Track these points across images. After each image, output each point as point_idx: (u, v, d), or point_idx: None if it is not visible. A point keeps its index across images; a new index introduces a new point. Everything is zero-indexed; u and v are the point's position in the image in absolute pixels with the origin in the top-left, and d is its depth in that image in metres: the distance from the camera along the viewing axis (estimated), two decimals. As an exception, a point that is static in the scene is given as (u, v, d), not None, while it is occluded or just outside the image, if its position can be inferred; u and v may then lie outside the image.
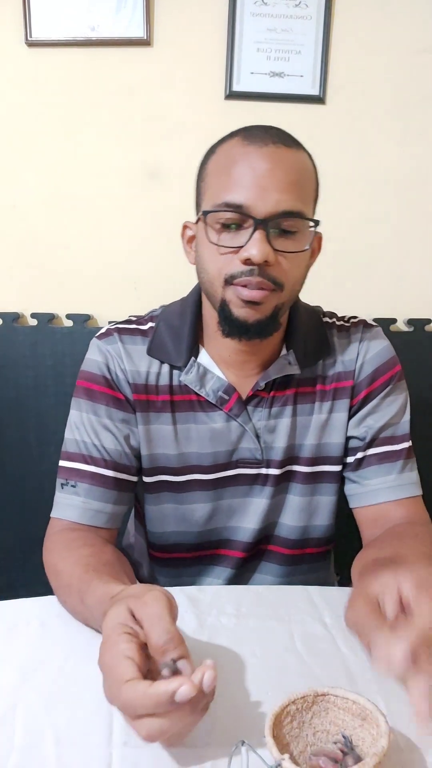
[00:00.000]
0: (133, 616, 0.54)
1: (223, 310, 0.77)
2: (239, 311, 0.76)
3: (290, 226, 0.74)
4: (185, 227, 0.84)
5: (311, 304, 0.94)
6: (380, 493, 0.86)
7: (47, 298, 1.45)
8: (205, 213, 0.76)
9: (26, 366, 1.43)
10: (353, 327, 0.90)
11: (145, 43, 1.35)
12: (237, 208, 0.72)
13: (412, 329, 1.48)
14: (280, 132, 0.77)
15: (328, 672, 0.62)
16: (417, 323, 1.48)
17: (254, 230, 0.72)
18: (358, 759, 0.49)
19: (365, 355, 0.88)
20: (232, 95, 1.38)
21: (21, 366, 1.43)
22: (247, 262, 0.73)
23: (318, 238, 0.83)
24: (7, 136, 1.40)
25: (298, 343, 0.85)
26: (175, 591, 0.77)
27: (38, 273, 1.46)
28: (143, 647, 0.52)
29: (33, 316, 1.44)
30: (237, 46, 1.36)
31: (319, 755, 0.49)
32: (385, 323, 1.47)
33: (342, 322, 0.91)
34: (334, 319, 0.92)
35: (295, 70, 1.38)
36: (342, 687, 0.53)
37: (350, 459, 0.88)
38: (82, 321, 1.43)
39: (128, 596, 0.56)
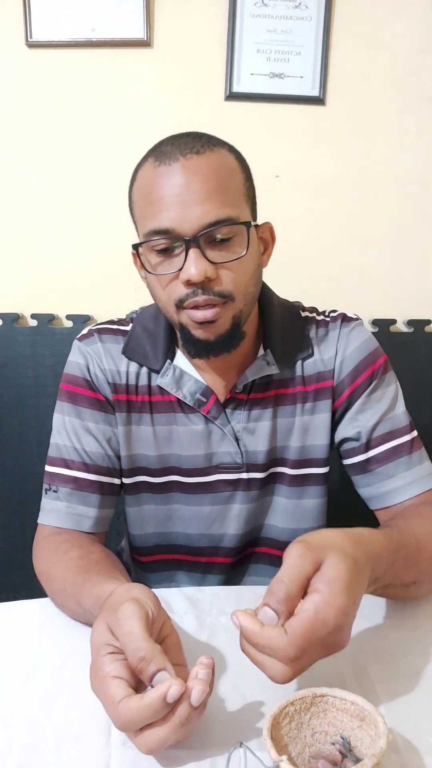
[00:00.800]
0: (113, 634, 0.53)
1: (184, 333, 0.76)
2: (198, 332, 0.75)
3: (224, 234, 0.71)
4: (135, 255, 0.81)
5: (311, 303, 0.93)
6: (393, 494, 0.83)
7: (47, 298, 1.46)
8: (136, 247, 0.75)
9: (26, 366, 1.44)
10: (332, 322, 0.87)
11: (145, 44, 1.35)
12: (164, 233, 0.71)
13: (412, 329, 1.48)
14: (190, 139, 0.73)
15: (327, 673, 0.62)
16: (417, 323, 1.48)
17: (187, 250, 0.70)
18: (356, 760, 0.49)
19: (344, 352, 0.85)
20: (232, 96, 1.38)
21: (21, 366, 1.44)
22: (188, 284, 0.71)
23: (267, 228, 0.81)
24: (6, 136, 1.40)
25: (276, 342, 0.83)
26: (174, 591, 0.77)
27: (38, 273, 1.46)
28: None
29: (33, 316, 1.44)
30: (237, 47, 1.36)
31: (317, 758, 0.49)
32: (385, 323, 1.47)
33: (322, 317, 0.89)
34: (314, 314, 0.89)
35: (295, 71, 1.38)
36: (340, 688, 0.53)
37: (352, 460, 0.86)
38: (82, 321, 1.43)
39: (107, 610, 0.56)
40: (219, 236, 0.71)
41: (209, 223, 0.70)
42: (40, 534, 0.84)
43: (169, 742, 0.50)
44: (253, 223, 0.76)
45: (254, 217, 0.78)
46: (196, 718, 0.51)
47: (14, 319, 1.43)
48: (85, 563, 0.73)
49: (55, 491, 0.83)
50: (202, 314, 0.73)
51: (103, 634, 0.54)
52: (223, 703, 0.58)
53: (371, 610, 0.72)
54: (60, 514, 0.82)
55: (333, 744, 0.51)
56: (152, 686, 0.50)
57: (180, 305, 0.73)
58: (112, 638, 0.53)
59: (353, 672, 0.63)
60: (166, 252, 0.73)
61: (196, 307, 0.72)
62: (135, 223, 0.78)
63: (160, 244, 0.72)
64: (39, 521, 0.84)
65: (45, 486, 0.84)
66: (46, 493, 0.84)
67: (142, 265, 0.77)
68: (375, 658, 0.65)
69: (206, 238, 0.71)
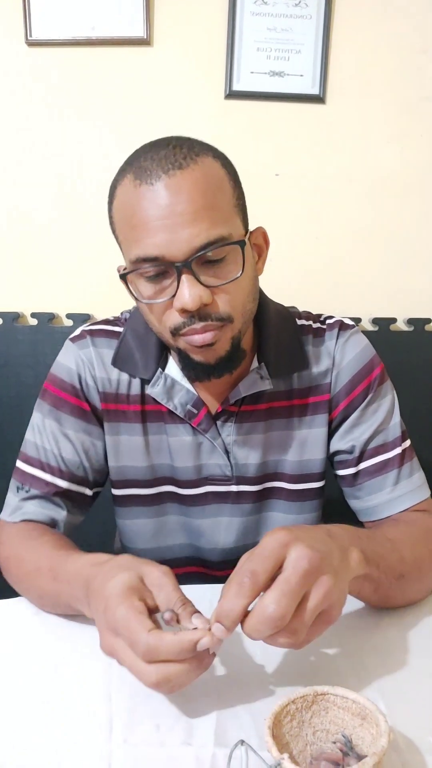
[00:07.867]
0: (143, 583, 0.56)
1: (182, 357, 0.73)
2: (197, 356, 0.71)
3: (216, 254, 0.66)
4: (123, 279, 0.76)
5: (311, 304, 0.92)
6: (380, 509, 0.82)
7: (47, 298, 1.46)
8: (123, 276, 0.71)
9: (26, 365, 1.44)
10: (328, 330, 0.84)
11: (145, 42, 1.35)
12: (153, 260, 0.66)
13: (412, 329, 1.48)
14: (171, 149, 0.67)
15: (328, 671, 0.62)
16: (417, 323, 1.48)
17: (179, 276, 0.66)
18: (358, 758, 0.49)
19: (340, 363, 0.83)
20: (232, 95, 1.38)
21: (21, 365, 1.44)
22: (183, 312, 0.67)
23: (260, 233, 0.76)
24: (7, 135, 1.40)
25: (270, 355, 0.80)
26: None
27: (38, 273, 1.46)
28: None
29: (33, 315, 1.44)
30: (237, 45, 1.36)
31: (319, 759, 0.49)
32: (385, 323, 1.47)
33: (318, 324, 0.85)
34: (310, 321, 0.86)
35: (295, 69, 1.38)
36: (342, 686, 0.53)
37: (343, 472, 0.85)
38: (82, 320, 1.43)
39: (137, 565, 0.58)
40: (210, 257, 0.67)
41: (200, 246, 0.65)
42: (2, 528, 0.82)
43: (178, 679, 0.52)
44: (246, 237, 0.71)
45: (246, 225, 0.73)
46: (204, 667, 0.53)
47: (14, 317, 1.43)
48: (63, 543, 0.73)
49: (26, 491, 0.81)
50: (200, 338, 0.69)
51: (133, 579, 0.56)
52: (225, 702, 0.58)
53: (372, 608, 0.72)
54: (28, 515, 0.80)
55: (334, 742, 0.51)
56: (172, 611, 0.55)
57: (176, 333, 0.70)
58: (143, 588, 0.55)
59: (354, 670, 0.63)
60: (156, 278, 0.68)
61: (194, 332, 0.69)
62: (119, 244, 0.73)
63: (149, 272, 0.68)
64: (1, 517, 0.82)
65: (17, 484, 0.82)
66: (17, 492, 0.82)
67: (131, 292, 0.72)
68: (376, 656, 0.65)
69: (198, 261, 0.66)
